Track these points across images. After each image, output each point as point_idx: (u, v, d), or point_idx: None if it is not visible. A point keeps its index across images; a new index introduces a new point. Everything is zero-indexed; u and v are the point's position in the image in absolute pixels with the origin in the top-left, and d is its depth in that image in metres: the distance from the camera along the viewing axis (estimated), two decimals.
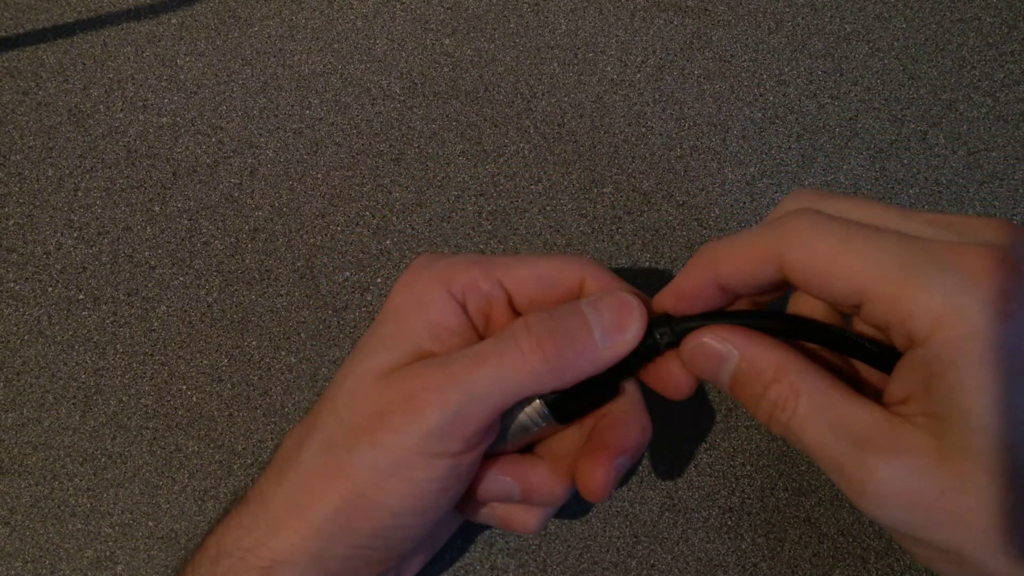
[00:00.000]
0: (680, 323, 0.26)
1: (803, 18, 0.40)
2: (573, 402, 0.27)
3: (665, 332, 0.26)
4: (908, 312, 0.21)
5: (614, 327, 0.26)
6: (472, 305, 0.27)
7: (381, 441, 0.25)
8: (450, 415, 0.24)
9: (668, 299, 0.26)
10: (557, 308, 0.26)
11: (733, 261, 0.24)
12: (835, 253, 0.22)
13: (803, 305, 0.27)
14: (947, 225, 0.23)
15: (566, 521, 0.33)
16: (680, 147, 0.38)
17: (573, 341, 0.25)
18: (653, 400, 0.35)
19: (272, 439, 0.34)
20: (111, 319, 0.36)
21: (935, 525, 0.21)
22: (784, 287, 0.25)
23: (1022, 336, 0.20)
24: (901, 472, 0.21)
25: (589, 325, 0.25)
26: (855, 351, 0.24)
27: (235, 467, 0.34)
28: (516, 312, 0.28)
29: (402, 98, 0.39)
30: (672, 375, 0.27)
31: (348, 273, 0.36)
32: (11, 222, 0.37)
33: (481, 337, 0.28)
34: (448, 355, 0.25)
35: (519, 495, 0.27)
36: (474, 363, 0.25)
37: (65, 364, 0.35)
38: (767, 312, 0.25)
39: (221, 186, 0.37)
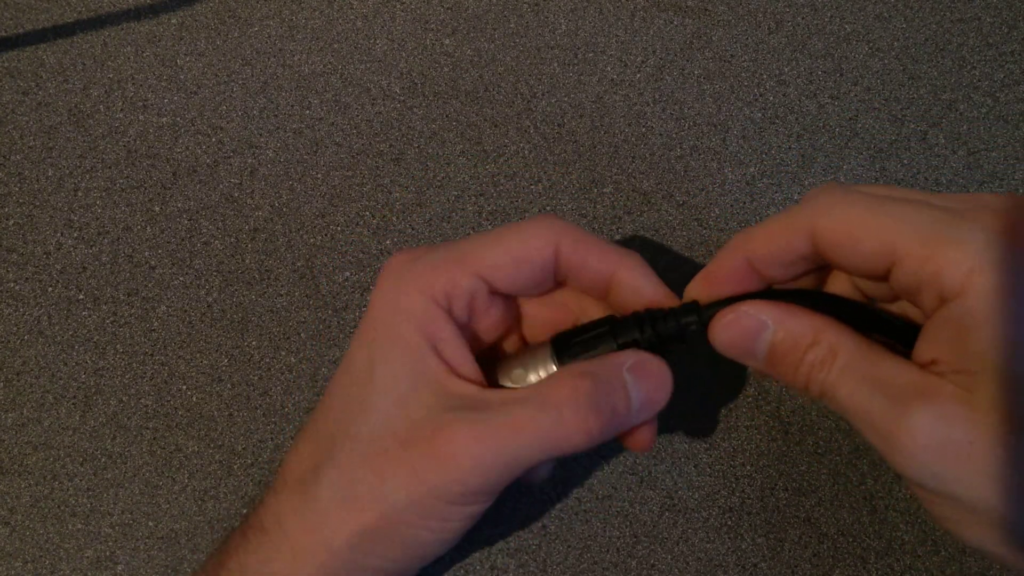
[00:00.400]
0: (708, 309, 0.25)
1: (803, 18, 0.40)
2: None
3: (692, 321, 0.26)
4: (940, 267, 0.22)
5: (651, 401, 0.26)
6: (457, 306, 0.26)
7: (412, 489, 0.25)
8: (486, 477, 0.25)
9: (699, 285, 0.26)
10: (600, 374, 0.25)
11: (764, 238, 0.25)
12: (866, 217, 0.23)
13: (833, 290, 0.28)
14: (970, 199, 0.23)
15: (566, 521, 0.33)
16: (680, 147, 0.38)
17: (615, 416, 0.25)
18: None
19: (272, 439, 0.34)
20: (111, 319, 0.36)
21: (965, 476, 0.21)
22: (817, 268, 0.26)
23: None
24: (934, 419, 0.21)
25: (630, 399, 0.25)
26: (880, 326, 0.25)
27: (235, 467, 0.34)
28: (498, 294, 0.27)
29: (402, 98, 0.39)
30: (639, 433, 0.27)
31: (348, 273, 0.36)
32: (11, 222, 0.37)
33: (469, 329, 0.27)
34: (482, 409, 0.25)
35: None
36: (514, 431, 0.24)
37: (65, 364, 0.35)
38: (795, 290, 0.26)
39: (221, 186, 0.37)
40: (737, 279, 0.26)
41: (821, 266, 0.26)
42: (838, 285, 0.27)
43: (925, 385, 0.22)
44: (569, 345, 0.27)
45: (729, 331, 0.25)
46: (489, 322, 0.28)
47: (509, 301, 0.29)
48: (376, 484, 0.25)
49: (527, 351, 0.28)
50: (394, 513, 0.25)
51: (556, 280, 0.28)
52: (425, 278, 0.26)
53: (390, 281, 0.27)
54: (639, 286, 0.27)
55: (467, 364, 0.26)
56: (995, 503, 0.21)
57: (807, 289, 0.26)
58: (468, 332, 0.28)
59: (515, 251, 0.26)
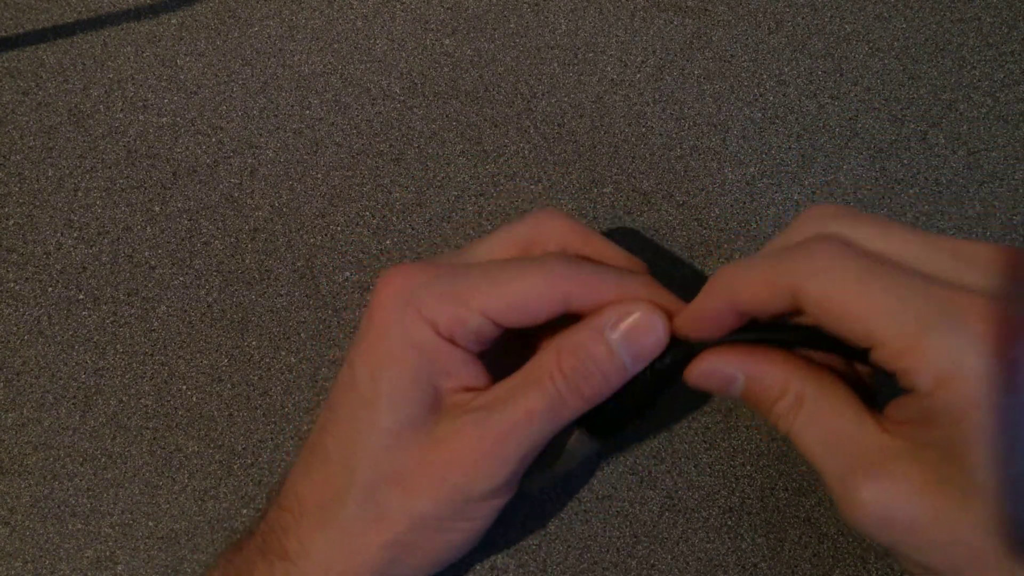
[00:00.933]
0: (692, 347, 0.26)
1: (803, 18, 0.40)
2: (607, 424, 0.28)
3: (668, 363, 0.27)
4: (914, 367, 0.22)
5: (641, 352, 0.26)
6: (462, 340, 0.26)
7: (438, 495, 0.26)
8: (506, 467, 0.26)
9: (686, 324, 0.26)
10: (582, 345, 0.26)
11: (750, 291, 0.24)
12: (851, 294, 0.22)
13: None
14: (971, 258, 0.23)
15: (566, 521, 0.33)
16: (680, 147, 0.38)
17: (606, 377, 0.26)
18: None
19: (272, 439, 0.34)
20: (111, 319, 0.36)
21: (908, 546, 0.22)
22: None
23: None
24: (882, 496, 0.22)
25: (615, 356, 0.26)
26: (860, 357, 0.24)
27: (235, 467, 0.34)
28: (501, 327, 0.27)
29: (402, 98, 0.39)
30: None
31: (348, 273, 0.36)
32: (11, 222, 0.37)
33: (480, 355, 0.28)
34: (486, 406, 0.26)
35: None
36: (526, 419, 0.25)
37: (65, 364, 0.35)
38: (772, 326, 0.26)
39: (221, 186, 0.37)
40: (723, 321, 0.26)
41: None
42: None
43: (880, 452, 0.23)
44: None
45: (703, 380, 0.26)
46: (498, 344, 0.28)
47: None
48: (402, 498, 0.26)
49: None
50: (422, 522, 0.26)
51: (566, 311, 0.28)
52: (431, 310, 0.26)
53: (394, 308, 0.26)
54: None
55: (481, 380, 0.27)
56: (942, 569, 0.22)
57: (787, 326, 0.26)
58: (480, 356, 0.28)
59: (522, 296, 0.26)
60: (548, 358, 0.26)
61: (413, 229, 0.37)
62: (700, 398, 0.34)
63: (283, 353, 0.35)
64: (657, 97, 0.39)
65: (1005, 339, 0.20)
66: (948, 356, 0.21)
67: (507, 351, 0.29)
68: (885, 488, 0.22)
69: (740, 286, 0.25)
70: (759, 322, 0.26)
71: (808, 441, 0.24)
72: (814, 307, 0.23)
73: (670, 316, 0.26)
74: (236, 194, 0.37)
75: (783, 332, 0.25)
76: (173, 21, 0.40)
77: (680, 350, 0.26)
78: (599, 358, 0.26)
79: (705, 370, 0.26)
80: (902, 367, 0.22)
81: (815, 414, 0.24)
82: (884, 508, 0.22)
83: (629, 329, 0.26)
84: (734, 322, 0.25)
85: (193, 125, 0.38)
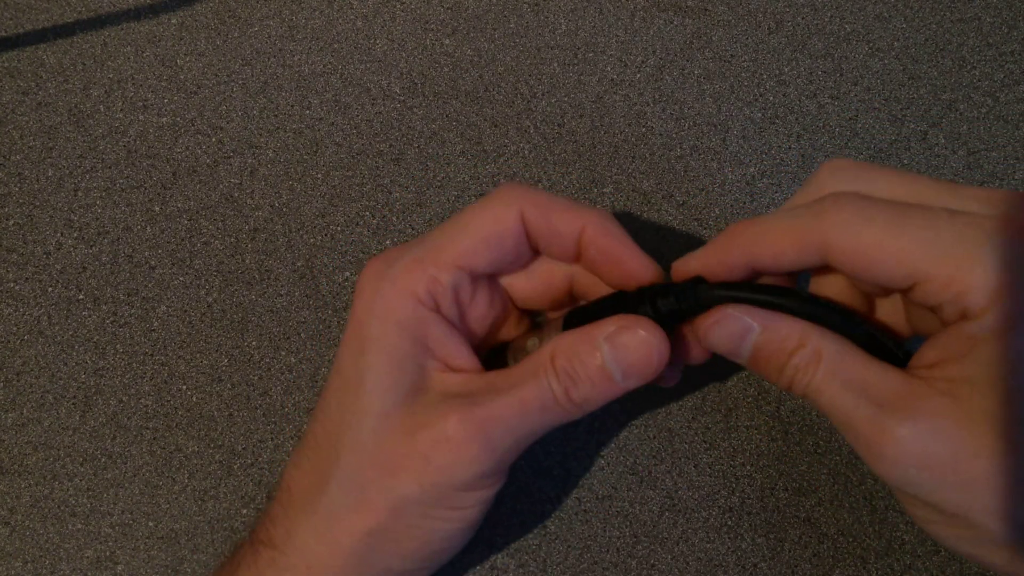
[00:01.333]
0: (705, 291, 0.25)
1: (803, 18, 0.40)
2: None
3: (690, 303, 0.25)
4: (965, 289, 0.21)
5: (633, 371, 0.25)
6: (443, 303, 0.26)
7: (422, 479, 0.25)
8: (492, 456, 0.25)
9: (695, 265, 0.26)
10: (576, 350, 0.25)
11: (772, 246, 0.24)
12: (885, 238, 0.22)
13: (825, 287, 0.27)
14: (995, 202, 0.23)
15: (566, 521, 0.33)
16: (680, 147, 0.38)
17: (595, 387, 0.25)
18: (653, 400, 0.35)
19: (272, 439, 0.34)
20: (111, 319, 0.36)
21: (946, 487, 0.21)
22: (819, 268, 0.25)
23: None
24: (919, 433, 0.21)
25: (607, 370, 0.25)
26: (873, 346, 0.24)
27: (235, 467, 0.34)
28: (480, 279, 0.27)
29: (402, 98, 0.39)
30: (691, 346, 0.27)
31: (348, 273, 0.36)
32: (11, 222, 0.37)
33: (463, 322, 0.27)
34: (479, 393, 0.25)
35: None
36: (517, 408, 0.25)
37: (65, 364, 0.35)
38: (792, 292, 0.25)
39: (221, 186, 0.37)
40: (734, 276, 0.25)
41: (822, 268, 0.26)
42: (831, 280, 0.27)
43: (911, 394, 0.22)
44: (577, 322, 0.27)
45: (715, 331, 0.25)
46: (480, 310, 0.28)
47: (494, 284, 0.29)
48: (385, 481, 0.25)
49: (541, 328, 0.28)
50: (405, 506, 0.25)
51: (532, 249, 0.28)
52: (405, 280, 0.26)
53: (370, 287, 0.26)
54: (607, 246, 0.26)
55: (463, 357, 0.27)
56: (975, 513, 0.21)
57: (805, 295, 0.25)
58: (462, 326, 0.28)
59: (484, 231, 0.26)
60: (543, 356, 0.26)
61: (413, 229, 0.37)
62: (700, 398, 0.34)
63: (283, 353, 0.35)
64: (657, 97, 0.39)
65: None
66: (998, 272, 0.21)
67: (495, 362, 0.29)
68: (923, 425, 0.21)
69: (760, 241, 0.24)
70: (777, 287, 0.25)
71: (833, 390, 0.23)
72: (846, 259, 0.23)
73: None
74: (236, 194, 0.37)
75: (798, 302, 0.25)
76: (173, 21, 0.40)
77: (685, 296, 0.25)
78: (590, 367, 0.25)
79: (718, 321, 0.25)
80: (953, 293, 0.21)
81: (839, 363, 0.23)
82: (927, 445, 0.21)
83: (624, 347, 0.25)
84: (744, 274, 0.25)
85: (193, 125, 0.38)
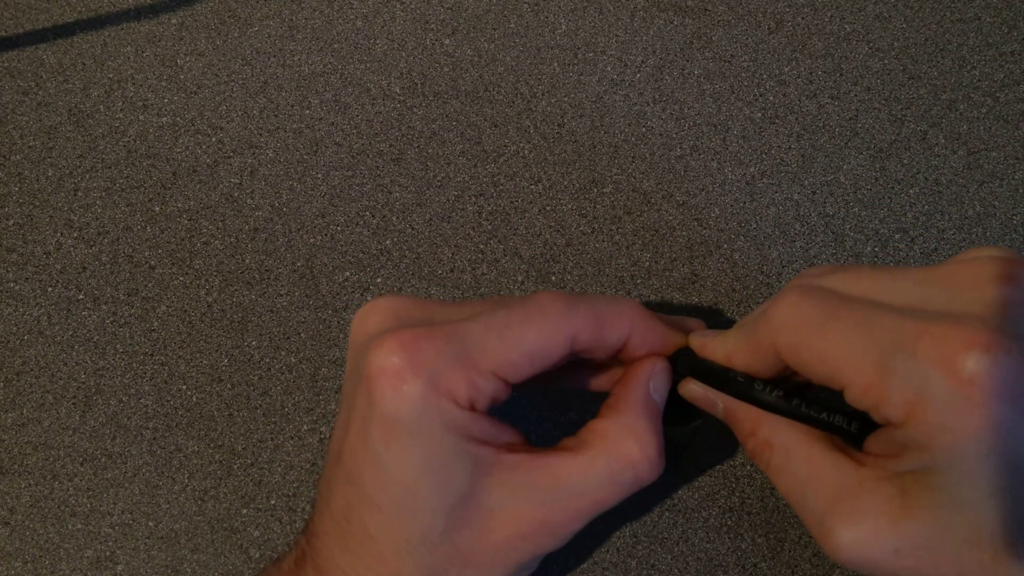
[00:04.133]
0: (682, 364, 0.28)
1: (803, 18, 0.40)
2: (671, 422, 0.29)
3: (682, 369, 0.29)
4: (882, 400, 0.22)
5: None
6: (480, 406, 0.25)
7: (509, 567, 0.26)
8: (575, 530, 0.26)
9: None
10: (636, 408, 0.27)
11: (742, 360, 0.26)
12: (813, 339, 0.23)
13: None
14: (938, 282, 0.23)
15: None
16: (680, 147, 0.38)
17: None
18: None
19: (272, 439, 0.34)
20: (111, 319, 0.36)
21: None
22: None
23: (999, 429, 0.21)
24: (858, 537, 0.23)
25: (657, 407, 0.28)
26: (832, 429, 0.25)
27: (235, 467, 0.34)
28: (511, 385, 0.27)
29: (402, 98, 0.39)
30: None
31: (348, 273, 0.36)
32: (11, 222, 0.37)
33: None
34: (552, 486, 0.26)
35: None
36: (594, 507, 0.26)
37: (65, 364, 0.35)
38: (748, 382, 0.26)
39: (221, 186, 0.37)
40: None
41: None
42: None
43: (855, 491, 0.23)
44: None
45: (690, 396, 0.28)
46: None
47: None
48: (464, 572, 0.26)
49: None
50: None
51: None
52: (447, 383, 0.24)
53: (405, 380, 0.24)
54: (649, 342, 0.28)
55: (505, 434, 0.26)
56: None
57: (753, 382, 0.26)
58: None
59: (530, 346, 0.25)
60: (623, 459, 0.26)
61: (413, 229, 0.37)
62: None
63: (283, 353, 0.35)
64: (657, 97, 0.39)
65: (957, 358, 0.21)
66: (911, 385, 0.21)
67: None
68: (862, 527, 0.22)
69: (731, 357, 0.26)
70: (735, 376, 0.27)
71: (782, 483, 0.25)
72: (791, 359, 0.24)
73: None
74: (236, 194, 0.37)
75: (748, 391, 0.26)
76: (173, 21, 0.40)
77: (687, 361, 0.28)
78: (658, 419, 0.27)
79: (691, 390, 0.28)
80: (871, 403, 0.22)
81: (788, 459, 0.25)
82: (864, 546, 0.22)
83: (660, 380, 0.28)
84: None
85: (193, 125, 0.38)
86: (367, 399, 0.24)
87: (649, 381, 0.27)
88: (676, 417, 0.29)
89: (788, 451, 0.25)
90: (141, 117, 0.38)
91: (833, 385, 0.23)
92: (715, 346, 0.27)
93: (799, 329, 0.24)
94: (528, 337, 0.25)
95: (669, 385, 0.28)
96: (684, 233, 0.37)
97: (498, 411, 0.27)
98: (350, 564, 0.26)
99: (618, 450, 0.26)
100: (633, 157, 0.38)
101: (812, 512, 0.24)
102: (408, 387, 0.24)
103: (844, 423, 0.25)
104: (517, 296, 0.28)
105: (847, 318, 0.23)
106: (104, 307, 0.36)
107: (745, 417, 0.26)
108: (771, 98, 0.39)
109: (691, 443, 0.33)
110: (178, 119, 0.38)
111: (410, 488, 0.24)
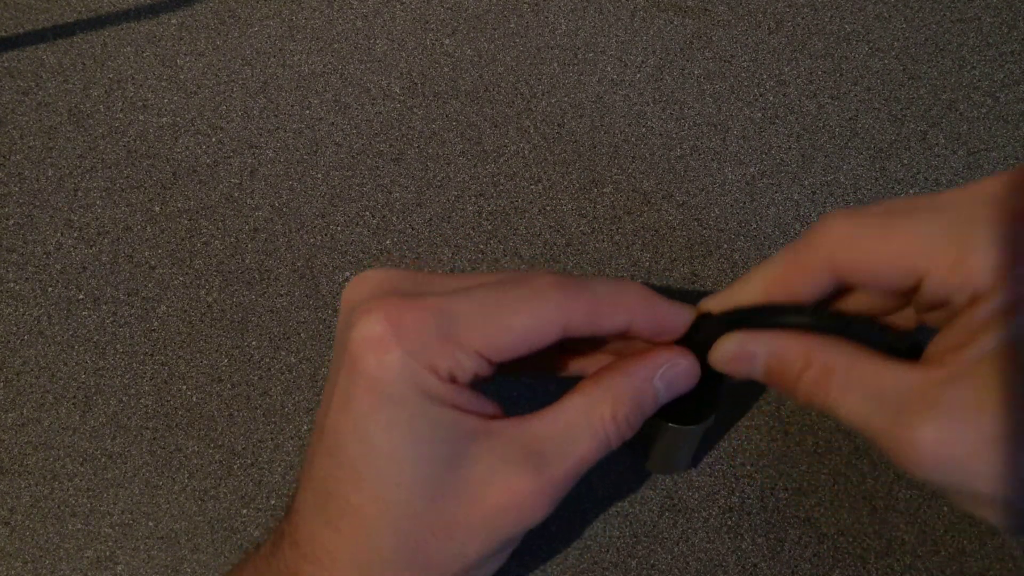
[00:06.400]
0: (708, 326, 0.27)
1: (803, 18, 0.40)
2: (688, 413, 0.29)
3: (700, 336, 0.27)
4: (970, 271, 0.21)
5: (675, 390, 0.27)
6: (460, 379, 0.25)
7: (492, 541, 0.26)
8: (555, 505, 0.26)
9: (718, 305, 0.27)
10: (636, 394, 0.26)
11: (786, 284, 0.25)
12: (879, 241, 0.23)
13: (851, 306, 0.27)
14: (964, 197, 0.23)
15: (566, 521, 0.33)
16: (680, 147, 0.38)
17: (644, 415, 0.27)
18: None
19: (272, 439, 0.34)
20: (111, 319, 0.36)
21: (975, 478, 0.21)
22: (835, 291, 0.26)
23: None
24: (939, 435, 0.21)
25: (657, 399, 0.27)
26: (885, 345, 0.24)
27: (235, 467, 0.34)
28: (495, 364, 0.26)
29: (402, 98, 0.39)
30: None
31: (348, 273, 0.36)
32: (11, 222, 0.37)
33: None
34: (536, 451, 0.25)
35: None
36: (580, 466, 0.26)
37: (65, 364, 0.35)
38: (794, 308, 0.25)
39: (221, 186, 0.37)
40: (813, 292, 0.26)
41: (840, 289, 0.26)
42: (854, 299, 0.27)
43: (928, 390, 0.22)
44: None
45: (724, 360, 0.26)
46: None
47: None
48: (451, 547, 0.25)
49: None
50: (471, 567, 0.26)
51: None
52: (428, 357, 0.24)
53: (387, 351, 0.24)
54: (654, 326, 0.27)
55: (489, 406, 0.26)
56: (1003, 495, 0.21)
57: (800, 308, 0.25)
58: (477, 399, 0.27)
59: (520, 330, 0.25)
60: (603, 406, 0.26)
61: (413, 229, 0.37)
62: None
63: (283, 353, 0.35)
64: (657, 97, 0.39)
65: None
66: (998, 248, 0.21)
67: None
68: (942, 424, 0.21)
69: (776, 283, 0.25)
70: (775, 306, 0.26)
71: (850, 404, 0.23)
72: (854, 272, 0.23)
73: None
74: (236, 194, 0.37)
75: (796, 317, 0.25)
76: (173, 21, 0.40)
77: (711, 327, 0.27)
78: (647, 405, 0.27)
79: (727, 350, 0.26)
80: (959, 280, 0.22)
81: (850, 375, 0.24)
82: (945, 445, 0.21)
83: (673, 378, 0.27)
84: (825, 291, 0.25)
85: (193, 125, 0.38)
86: (350, 367, 0.24)
87: (653, 375, 0.26)
88: (689, 414, 0.29)
89: (850, 367, 0.24)
90: (141, 117, 0.38)
91: (907, 283, 0.23)
92: (743, 290, 0.26)
93: (862, 237, 0.23)
94: (518, 320, 0.25)
95: (691, 380, 0.27)
96: (684, 233, 0.37)
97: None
98: (328, 537, 0.26)
99: (594, 392, 0.26)
100: (633, 157, 0.38)
101: (884, 424, 0.22)
102: (390, 356, 0.24)
103: (896, 341, 0.24)
104: (515, 273, 0.27)
105: (907, 213, 0.23)
106: (104, 307, 0.36)
107: (796, 353, 0.25)
108: (771, 98, 0.39)
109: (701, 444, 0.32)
110: (178, 119, 0.38)
111: (392, 456, 0.24)
